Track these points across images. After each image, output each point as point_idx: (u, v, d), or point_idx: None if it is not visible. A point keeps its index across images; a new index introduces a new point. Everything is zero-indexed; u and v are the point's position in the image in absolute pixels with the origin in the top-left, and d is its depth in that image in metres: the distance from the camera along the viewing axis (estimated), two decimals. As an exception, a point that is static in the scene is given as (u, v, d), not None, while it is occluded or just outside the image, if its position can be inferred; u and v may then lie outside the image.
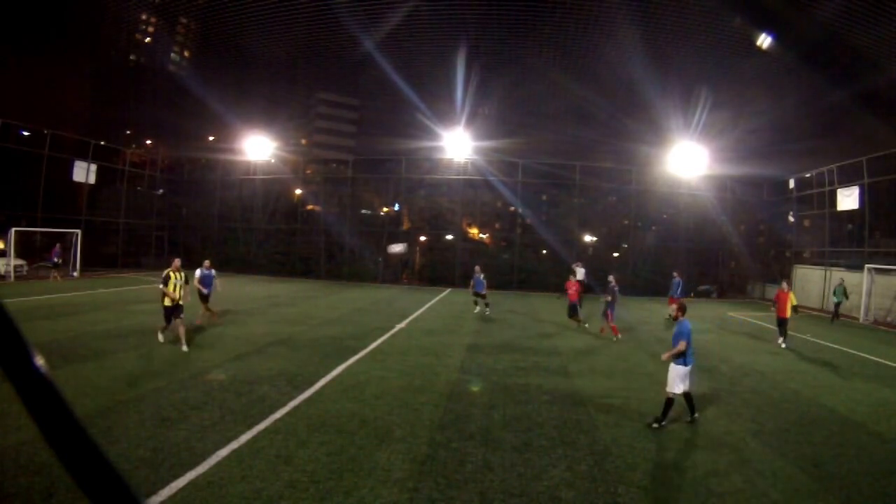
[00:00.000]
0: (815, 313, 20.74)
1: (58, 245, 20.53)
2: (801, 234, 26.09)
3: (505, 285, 25.07)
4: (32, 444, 4.52)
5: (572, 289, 13.71)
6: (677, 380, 6.22)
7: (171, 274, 9.18)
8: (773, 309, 13.16)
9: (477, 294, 15.88)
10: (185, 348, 8.80)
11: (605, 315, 12.62)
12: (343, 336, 11.11)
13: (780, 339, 12.23)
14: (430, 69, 34.84)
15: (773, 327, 15.85)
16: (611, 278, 13.00)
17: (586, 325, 13.58)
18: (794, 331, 14.99)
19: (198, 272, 11.62)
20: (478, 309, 16.01)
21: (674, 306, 16.27)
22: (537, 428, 5.99)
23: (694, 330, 15.58)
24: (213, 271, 11.97)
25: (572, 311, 13.70)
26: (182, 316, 9.14)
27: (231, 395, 6.65)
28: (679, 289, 16.64)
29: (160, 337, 9.39)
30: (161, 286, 9.13)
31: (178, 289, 9.16)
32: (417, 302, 18.07)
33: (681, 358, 6.23)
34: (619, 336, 12.31)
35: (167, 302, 9.11)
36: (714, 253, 27.00)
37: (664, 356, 6.40)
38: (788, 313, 12.13)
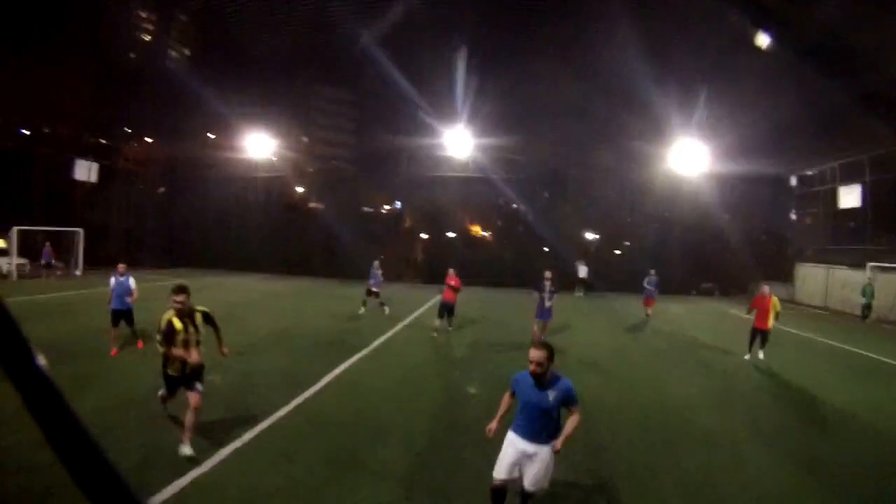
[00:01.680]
0: (816, 311, 20.73)
1: (48, 244, 20.46)
2: (802, 232, 26.08)
3: (505, 284, 25.07)
4: (32, 444, 4.53)
5: (451, 283, 11.26)
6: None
7: (174, 322, 5.08)
8: (748, 316, 10.64)
9: (371, 292, 14.38)
10: (187, 450, 4.68)
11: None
12: (343, 335, 11.12)
13: (751, 353, 10.37)
14: (431, 66, 34.80)
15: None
16: (547, 274, 11.00)
17: (449, 329, 11.61)
18: (797, 329, 14.97)
19: (112, 280, 8.73)
20: (387, 310, 14.28)
21: (650, 308, 15.47)
22: (538, 426, 5.98)
23: (696, 328, 15.22)
24: (132, 278, 8.84)
25: (447, 312, 11.33)
26: (199, 388, 5.06)
27: (231, 394, 6.66)
28: (655, 287, 15.51)
29: (164, 404, 5.64)
30: (159, 343, 5.22)
31: (191, 345, 5.10)
32: (418, 300, 18.06)
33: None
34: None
35: (171, 370, 5.23)
36: (715, 251, 26.97)
37: (559, 444, 3.57)
38: (770, 324, 10.10)
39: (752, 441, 5.80)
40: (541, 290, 10.87)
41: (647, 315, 15.81)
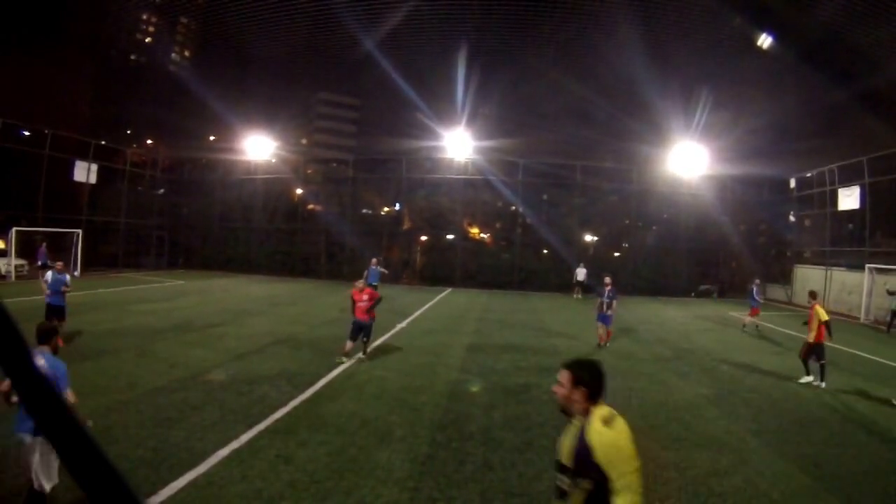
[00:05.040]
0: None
1: (43, 245, 20.42)
2: (801, 234, 26.08)
3: (505, 285, 25.07)
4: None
5: (362, 300, 8.82)
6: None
7: None
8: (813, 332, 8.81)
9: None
10: None
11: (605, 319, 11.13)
12: (343, 336, 11.03)
13: (812, 377, 8.71)
14: (431, 69, 34.87)
15: (774, 326, 15.84)
16: (606, 280, 11.32)
17: (363, 356, 8.85)
18: (797, 331, 14.97)
19: (49, 275, 9.08)
20: None
21: (755, 318, 14.34)
22: (537, 428, 5.99)
23: (695, 329, 15.14)
24: (68, 276, 9.46)
25: (355, 333, 8.74)
26: None
27: (231, 395, 6.65)
28: (758, 295, 14.58)
29: None
30: None
31: None
32: (418, 302, 18.06)
33: None
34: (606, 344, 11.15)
35: None
36: (714, 253, 27.00)
37: None
38: (812, 336, 8.73)
39: (754, 443, 5.80)
40: (601, 294, 11.23)
41: (745, 325, 14.79)
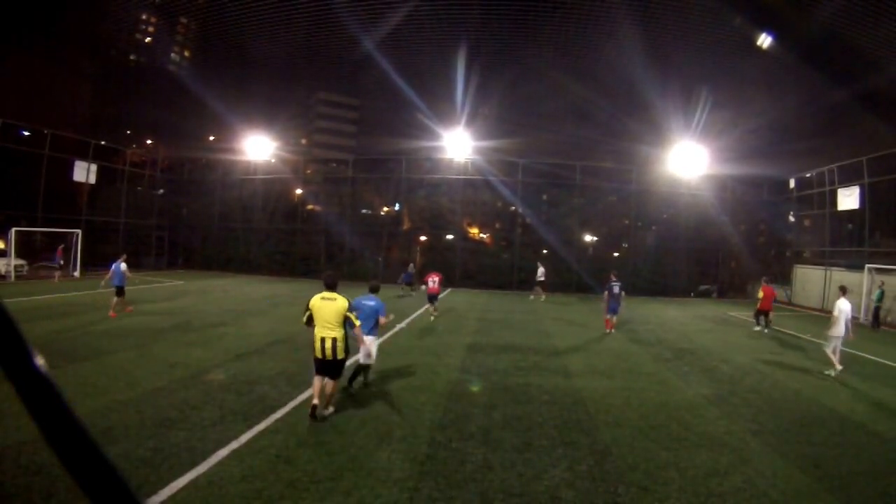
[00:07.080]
0: (815, 313, 20.73)
1: (60, 248, 20.54)
2: (801, 234, 26.09)
3: (505, 285, 25.06)
4: (32, 444, 4.52)
5: (431, 285, 14.55)
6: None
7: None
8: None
9: (408, 284, 19.99)
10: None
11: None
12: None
13: (759, 327, 14.57)
14: (431, 69, 34.87)
15: (774, 326, 15.91)
16: (612, 276, 13.31)
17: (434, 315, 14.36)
18: (797, 331, 15.00)
19: (123, 265, 13.01)
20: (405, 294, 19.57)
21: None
22: (537, 428, 5.98)
23: (695, 329, 15.26)
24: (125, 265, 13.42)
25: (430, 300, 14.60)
26: None
27: (231, 395, 6.65)
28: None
29: None
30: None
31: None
32: (417, 302, 18.06)
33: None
34: (612, 331, 13.13)
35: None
36: (714, 253, 27.01)
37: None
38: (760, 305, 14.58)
39: (754, 443, 5.80)
40: (608, 289, 13.09)
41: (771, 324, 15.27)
